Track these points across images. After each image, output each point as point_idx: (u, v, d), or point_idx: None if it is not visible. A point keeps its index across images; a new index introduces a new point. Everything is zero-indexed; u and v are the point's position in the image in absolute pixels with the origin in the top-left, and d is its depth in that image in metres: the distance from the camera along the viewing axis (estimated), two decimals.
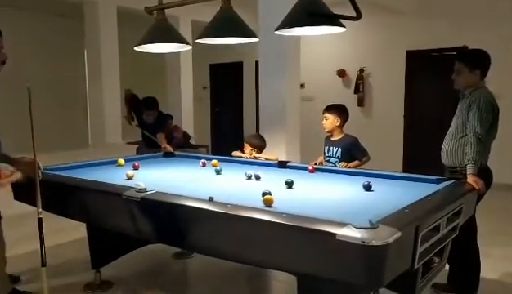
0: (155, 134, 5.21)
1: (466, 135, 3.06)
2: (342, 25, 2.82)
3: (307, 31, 3.11)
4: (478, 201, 3.00)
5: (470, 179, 2.89)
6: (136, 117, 5.72)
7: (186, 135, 6.49)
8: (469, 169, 2.93)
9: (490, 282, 3.51)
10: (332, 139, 4.02)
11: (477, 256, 3.23)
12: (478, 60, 3.16)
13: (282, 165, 3.81)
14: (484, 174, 3.02)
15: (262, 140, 4.44)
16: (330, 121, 3.98)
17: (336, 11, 2.81)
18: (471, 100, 3.06)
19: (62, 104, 8.75)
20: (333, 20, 2.79)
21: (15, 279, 3.46)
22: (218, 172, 3.50)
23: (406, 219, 2.08)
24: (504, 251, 4.22)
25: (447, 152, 3.22)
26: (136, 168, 3.65)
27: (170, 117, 5.95)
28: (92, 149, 7.30)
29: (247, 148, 4.33)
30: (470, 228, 3.08)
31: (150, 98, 5.50)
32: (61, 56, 8.67)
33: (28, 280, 3.56)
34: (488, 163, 3.15)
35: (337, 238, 1.84)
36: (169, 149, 4.67)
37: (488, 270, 3.46)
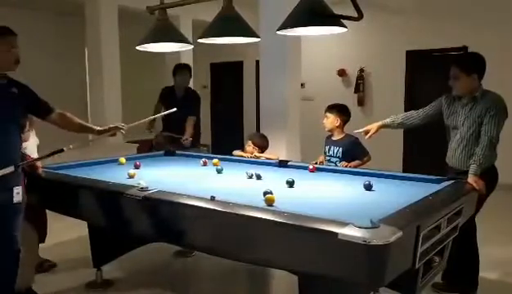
0: (183, 109, 4.57)
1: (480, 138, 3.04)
2: (343, 25, 2.83)
3: (308, 31, 3.12)
4: (482, 202, 3.00)
5: (471, 179, 2.90)
6: (167, 100, 5.17)
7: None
8: (472, 169, 2.94)
9: (490, 281, 3.51)
10: (333, 138, 4.03)
11: (476, 255, 3.24)
12: (474, 64, 3.14)
13: (283, 164, 3.82)
14: (490, 174, 3.03)
15: (266, 140, 4.42)
16: (330, 120, 3.99)
17: (337, 10, 2.81)
18: (489, 104, 3.03)
19: (62, 102, 8.67)
20: (334, 20, 2.80)
21: None
22: (219, 171, 3.51)
23: (407, 218, 2.09)
24: (504, 250, 4.23)
25: (459, 157, 3.19)
26: (137, 167, 3.65)
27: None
28: (92, 148, 7.29)
29: (249, 145, 4.32)
30: (469, 226, 3.07)
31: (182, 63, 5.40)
32: (62, 55, 8.67)
33: (35, 278, 3.50)
34: None
35: (338, 237, 1.85)
36: (188, 143, 4.63)
37: (488, 269, 3.47)
